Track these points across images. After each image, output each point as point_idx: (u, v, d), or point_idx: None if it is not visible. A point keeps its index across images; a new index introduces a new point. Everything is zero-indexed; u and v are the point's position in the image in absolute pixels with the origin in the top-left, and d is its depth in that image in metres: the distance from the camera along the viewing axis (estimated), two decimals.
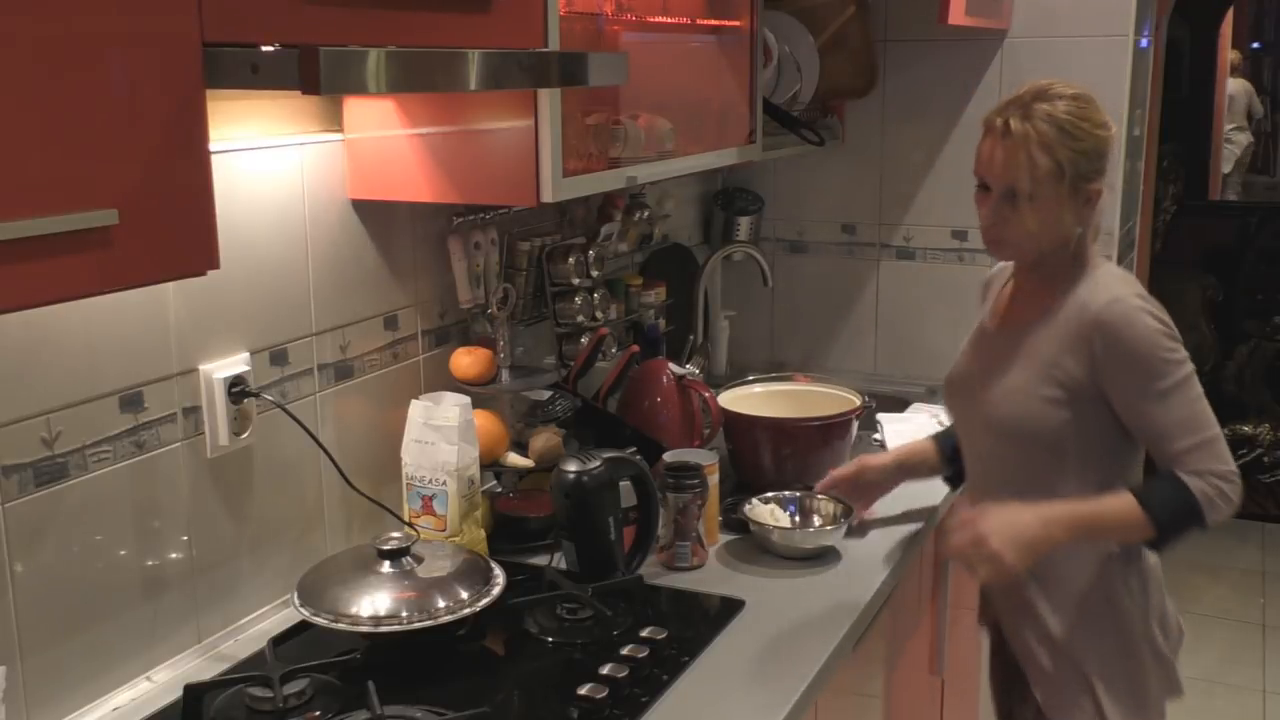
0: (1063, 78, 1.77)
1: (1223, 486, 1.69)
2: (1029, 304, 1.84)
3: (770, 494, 2.13)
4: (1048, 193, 1.71)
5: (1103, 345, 1.71)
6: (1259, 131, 8.14)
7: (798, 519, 2.10)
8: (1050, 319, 1.78)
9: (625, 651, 1.64)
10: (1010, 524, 1.69)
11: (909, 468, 2.11)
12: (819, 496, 2.10)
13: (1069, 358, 1.74)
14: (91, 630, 1.52)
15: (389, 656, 1.61)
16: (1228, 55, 7.43)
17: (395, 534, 1.71)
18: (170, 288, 1.56)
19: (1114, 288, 1.74)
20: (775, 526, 2.02)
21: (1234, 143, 7.80)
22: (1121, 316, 1.71)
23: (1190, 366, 1.73)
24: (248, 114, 1.67)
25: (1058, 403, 1.75)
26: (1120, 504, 1.71)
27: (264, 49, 1.17)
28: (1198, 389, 1.73)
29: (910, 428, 2.48)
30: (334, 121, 1.84)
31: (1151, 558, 1.85)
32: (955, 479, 2.11)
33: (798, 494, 2.13)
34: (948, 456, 2.07)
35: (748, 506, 2.06)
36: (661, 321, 2.73)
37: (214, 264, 1.18)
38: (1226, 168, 7.75)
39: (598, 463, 1.83)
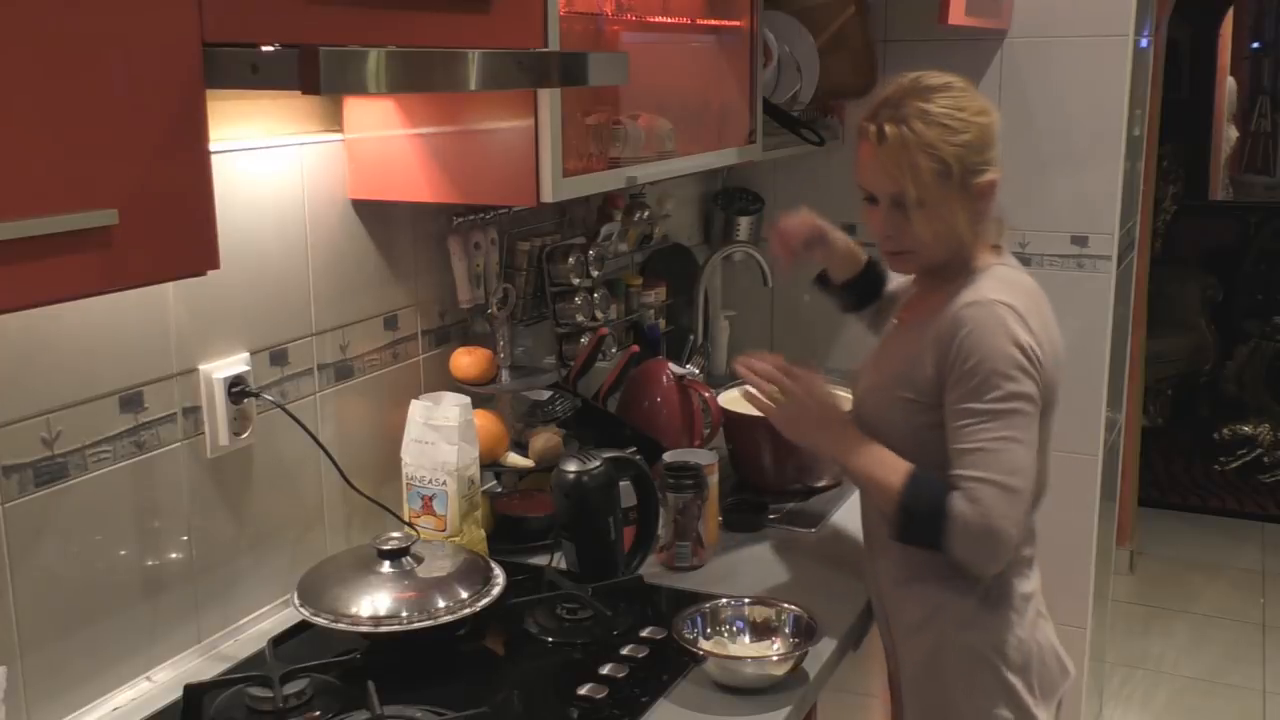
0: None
1: (978, 530, 1.51)
2: (923, 304, 1.72)
3: (716, 609, 1.72)
4: (936, 196, 1.58)
5: (953, 345, 1.57)
6: (1258, 131, 8.13)
7: (746, 638, 1.70)
8: (928, 322, 1.64)
9: (625, 651, 1.64)
10: (813, 420, 1.70)
11: (836, 246, 1.98)
12: (781, 604, 1.72)
13: (928, 357, 1.61)
14: (91, 630, 1.51)
15: (389, 656, 1.61)
16: (1228, 55, 7.42)
17: (395, 534, 1.71)
18: (170, 288, 1.56)
19: (987, 289, 1.59)
20: (711, 654, 1.61)
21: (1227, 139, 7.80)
22: (972, 319, 1.56)
23: (1028, 408, 1.54)
24: (248, 114, 1.67)
25: (912, 406, 1.63)
26: (891, 471, 1.60)
27: (264, 49, 1.17)
28: (1022, 433, 1.54)
29: None
30: (334, 121, 1.84)
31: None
32: (855, 303, 2.03)
33: (744, 604, 1.74)
34: (865, 275, 1.99)
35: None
36: (661, 321, 2.74)
37: (214, 264, 1.18)
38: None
39: (598, 463, 1.83)
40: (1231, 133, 7.67)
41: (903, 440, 1.64)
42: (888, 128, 1.58)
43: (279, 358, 1.76)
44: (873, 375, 1.74)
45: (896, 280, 2.01)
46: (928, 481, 1.58)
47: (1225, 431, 5.68)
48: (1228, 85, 7.54)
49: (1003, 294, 1.59)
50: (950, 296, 1.62)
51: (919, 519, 1.58)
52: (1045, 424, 1.62)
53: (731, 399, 2.43)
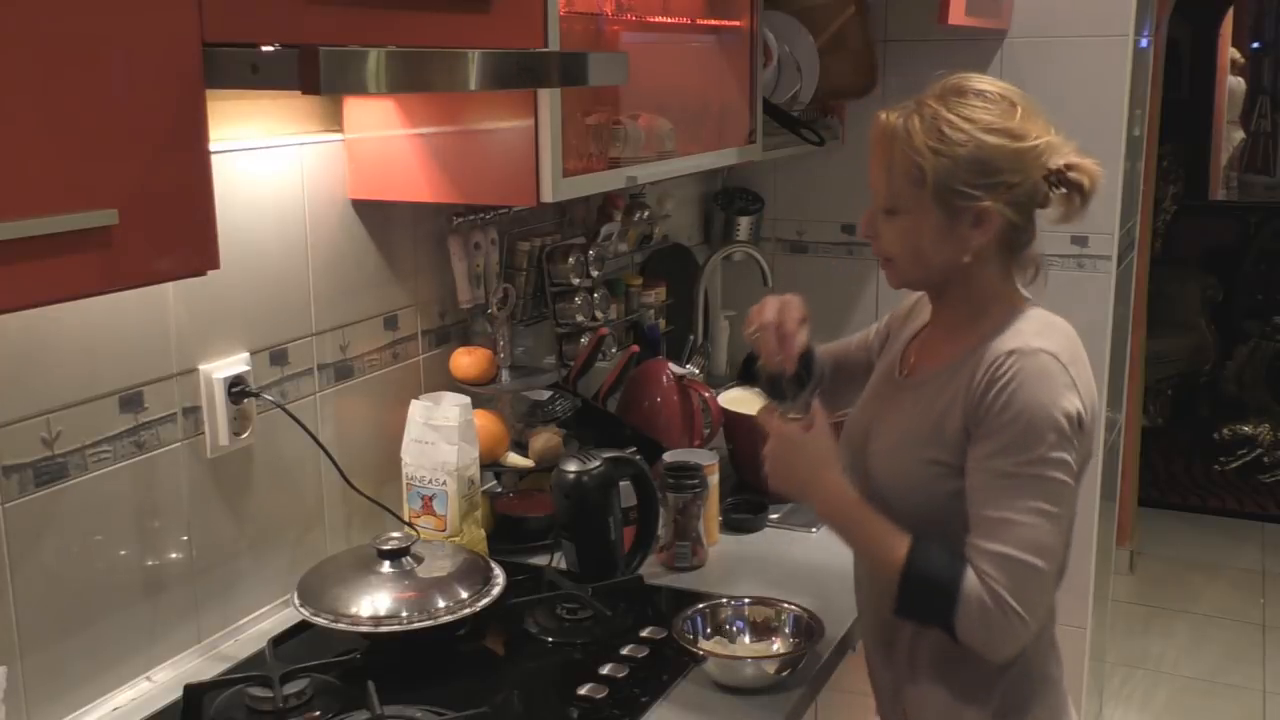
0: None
1: (994, 614, 1.34)
2: (938, 350, 1.52)
3: (714, 607, 1.73)
4: (907, 203, 1.42)
5: (989, 393, 1.38)
6: (1258, 131, 8.13)
7: (746, 638, 1.70)
8: (955, 369, 1.45)
9: (625, 651, 1.64)
10: (803, 476, 1.48)
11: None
12: (781, 604, 1.72)
13: (958, 409, 1.41)
14: (91, 630, 1.52)
15: (389, 656, 1.61)
16: (1228, 55, 7.42)
17: (395, 534, 1.71)
18: (170, 288, 1.56)
19: (1029, 335, 1.41)
20: (711, 654, 1.61)
21: (1230, 139, 7.80)
22: (1017, 368, 1.37)
23: (1065, 477, 1.36)
24: (248, 114, 1.67)
25: (941, 471, 1.43)
26: (892, 539, 1.41)
27: (264, 49, 1.17)
28: (1056, 506, 1.35)
29: None
30: (334, 121, 1.84)
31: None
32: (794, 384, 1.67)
33: (744, 604, 1.74)
34: (808, 362, 1.69)
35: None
36: (661, 321, 2.73)
37: (214, 264, 1.18)
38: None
39: (598, 463, 1.84)
40: (1237, 134, 7.67)
41: (930, 512, 1.44)
42: (888, 116, 1.44)
43: (279, 358, 1.76)
44: (886, 435, 1.52)
45: (828, 348, 1.82)
46: (934, 553, 1.39)
47: (1225, 431, 5.67)
48: (1236, 85, 7.54)
49: (1045, 341, 1.40)
50: (980, 341, 1.44)
51: (925, 595, 1.39)
52: (1078, 485, 1.44)
53: (731, 399, 2.43)
